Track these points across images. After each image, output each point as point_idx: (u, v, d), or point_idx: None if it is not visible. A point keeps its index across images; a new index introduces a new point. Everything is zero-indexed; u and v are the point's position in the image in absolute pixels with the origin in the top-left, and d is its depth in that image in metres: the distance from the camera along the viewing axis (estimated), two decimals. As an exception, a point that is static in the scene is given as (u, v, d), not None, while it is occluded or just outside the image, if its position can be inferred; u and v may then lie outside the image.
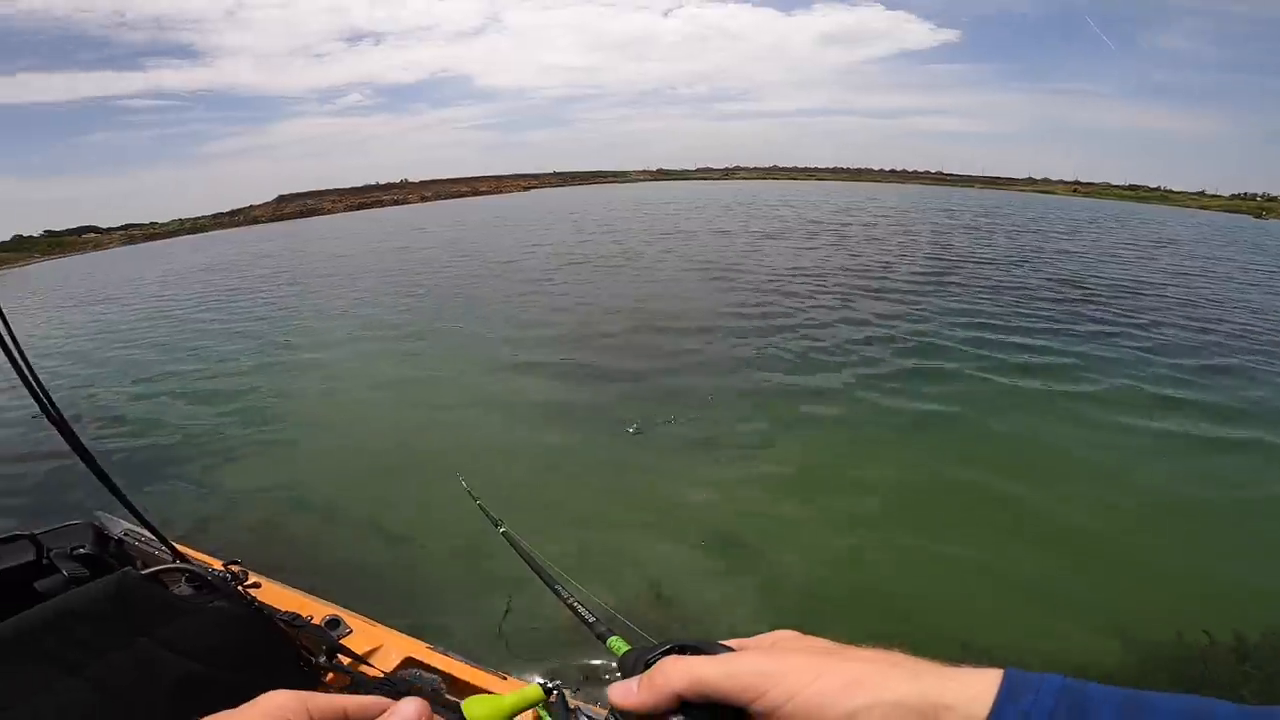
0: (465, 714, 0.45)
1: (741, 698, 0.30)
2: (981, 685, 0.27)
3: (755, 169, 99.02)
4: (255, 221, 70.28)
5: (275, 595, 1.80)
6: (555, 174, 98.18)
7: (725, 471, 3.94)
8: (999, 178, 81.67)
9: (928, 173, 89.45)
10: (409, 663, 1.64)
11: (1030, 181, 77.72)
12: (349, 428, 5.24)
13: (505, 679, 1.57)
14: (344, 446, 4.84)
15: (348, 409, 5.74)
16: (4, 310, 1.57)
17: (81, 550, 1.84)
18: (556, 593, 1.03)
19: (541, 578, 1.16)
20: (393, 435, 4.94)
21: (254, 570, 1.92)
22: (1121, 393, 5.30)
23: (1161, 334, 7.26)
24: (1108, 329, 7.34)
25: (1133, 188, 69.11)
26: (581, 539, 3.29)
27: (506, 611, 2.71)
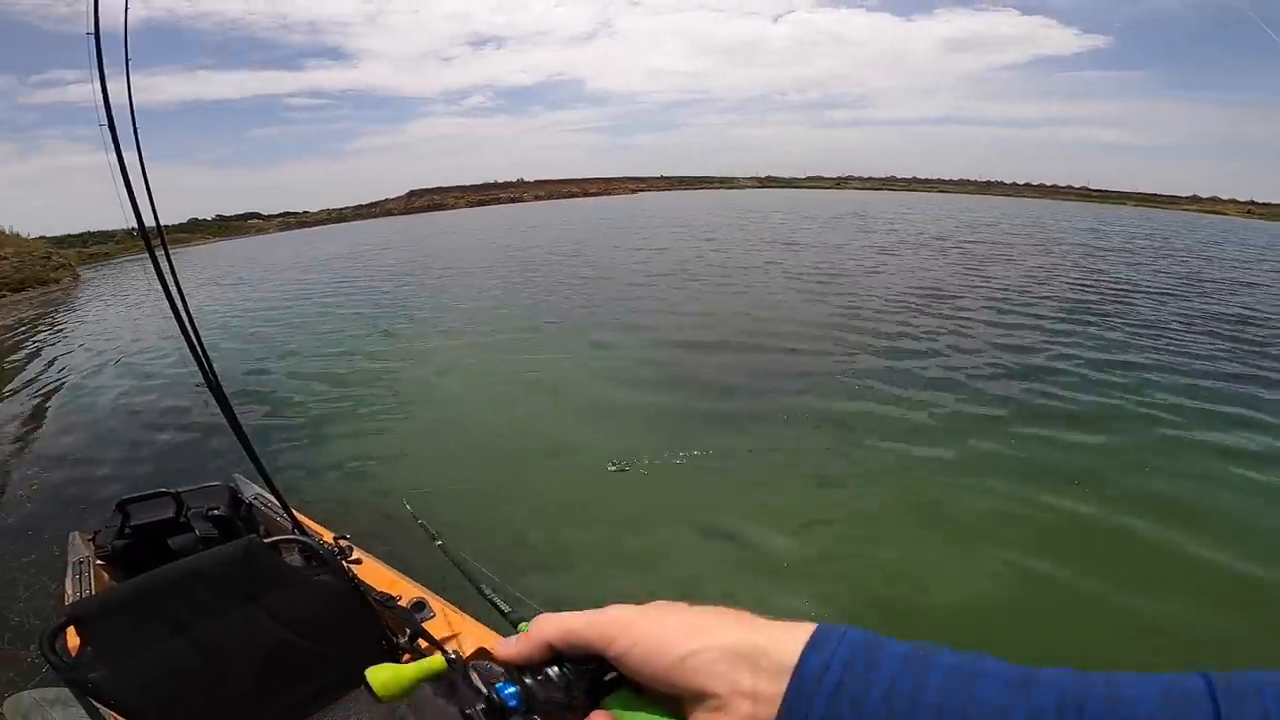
0: (370, 681, 0.45)
1: (597, 644, 0.34)
2: (796, 636, 0.30)
3: (870, 178, 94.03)
4: (389, 214, 77.22)
5: (373, 572, 1.91)
6: (663, 178, 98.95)
7: (789, 510, 3.66)
8: (1158, 195, 71.61)
9: (1070, 188, 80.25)
10: (483, 654, 1.64)
11: (1195, 200, 67.59)
12: (449, 416, 5.54)
13: None
14: (446, 434, 5.11)
15: (447, 398, 6.08)
16: (182, 288, 1.79)
17: (215, 511, 2.05)
18: (479, 590, 1.00)
19: (469, 579, 1.16)
20: (489, 428, 5.16)
21: (358, 544, 2.06)
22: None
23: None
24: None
25: (1325, 208, 58.39)
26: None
27: None
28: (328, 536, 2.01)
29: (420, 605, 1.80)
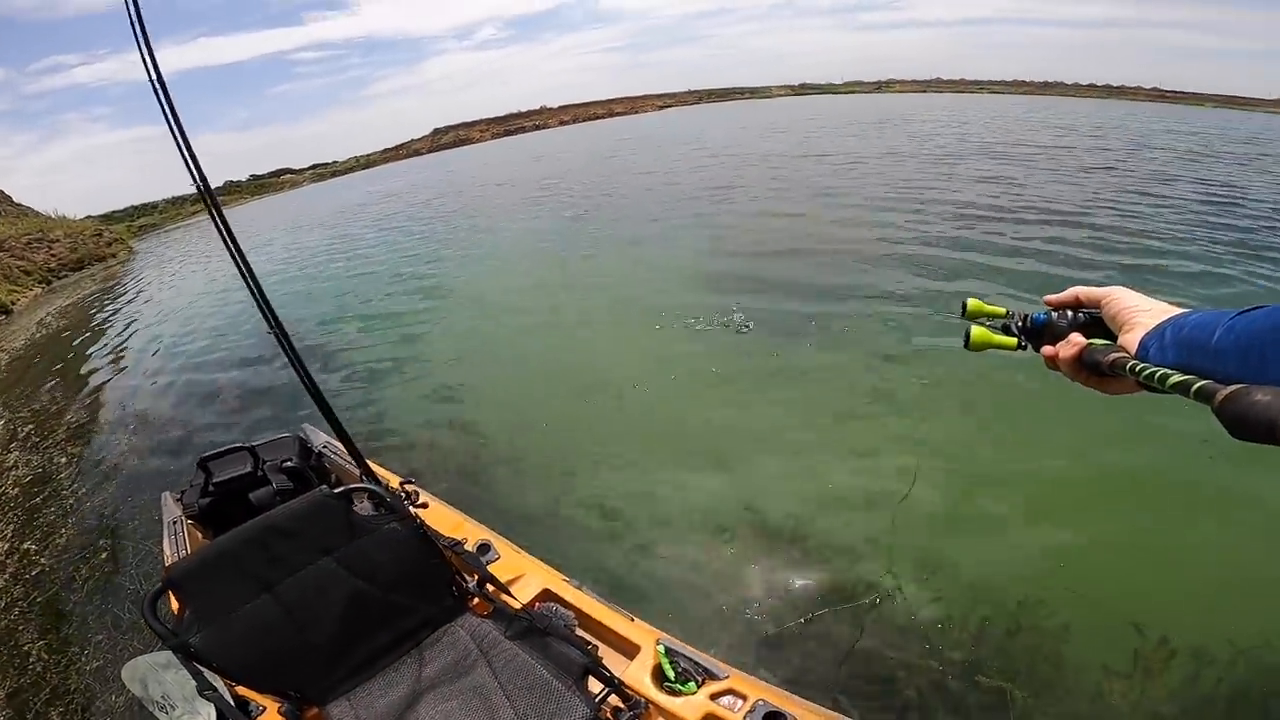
0: (971, 333, 0.68)
1: (1098, 298, 0.64)
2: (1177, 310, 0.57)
3: (913, 81, 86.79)
4: (416, 154, 76.09)
5: (439, 515, 1.94)
6: (690, 92, 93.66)
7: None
8: (1237, 97, 64.43)
9: (1140, 89, 72.55)
10: (546, 595, 1.70)
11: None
12: (503, 353, 5.46)
13: (633, 620, 1.60)
14: (501, 372, 5.05)
15: (500, 333, 5.99)
16: (240, 244, 1.76)
17: (289, 463, 2.16)
18: None
19: None
20: (544, 362, 5.08)
21: (424, 487, 2.09)
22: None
23: None
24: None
25: None
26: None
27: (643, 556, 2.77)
28: (394, 481, 2.03)
29: (485, 548, 1.85)
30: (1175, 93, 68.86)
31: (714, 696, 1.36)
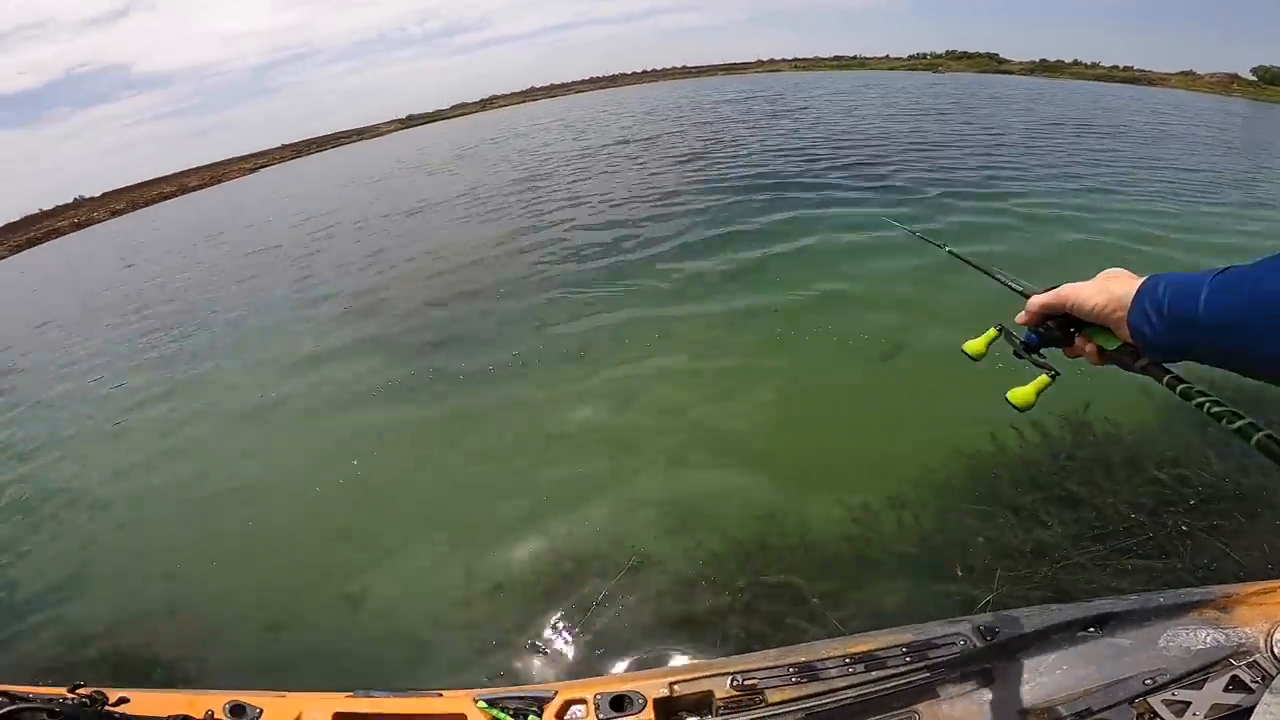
0: (1011, 399, 0.72)
1: (1058, 305, 0.68)
2: (1132, 286, 0.61)
3: (512, 94, 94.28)
4: None
5: (152, 703, 1.55)
6: (285, 146, 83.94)
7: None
8: (735, 64, 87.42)
9: (674, 68, 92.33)
10: (339, 719, 1.50)
11: (760, 64, 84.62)
12: (150, 490, 4.31)
13: (441, 695, 1.53)
14: (154, 514, 4.03)
15: (138, 468, 4.68)
16: None
17: None
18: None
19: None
20: (205, 483, 4.16)
21: (117, 688, 1.54)
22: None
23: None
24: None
25: (837, 58, 78.80)
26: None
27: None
28: (61, 691, 1.57)
29: (239, 709, 1.56)
30: (696, 67, 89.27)
31: (558, 716, 1.38)
